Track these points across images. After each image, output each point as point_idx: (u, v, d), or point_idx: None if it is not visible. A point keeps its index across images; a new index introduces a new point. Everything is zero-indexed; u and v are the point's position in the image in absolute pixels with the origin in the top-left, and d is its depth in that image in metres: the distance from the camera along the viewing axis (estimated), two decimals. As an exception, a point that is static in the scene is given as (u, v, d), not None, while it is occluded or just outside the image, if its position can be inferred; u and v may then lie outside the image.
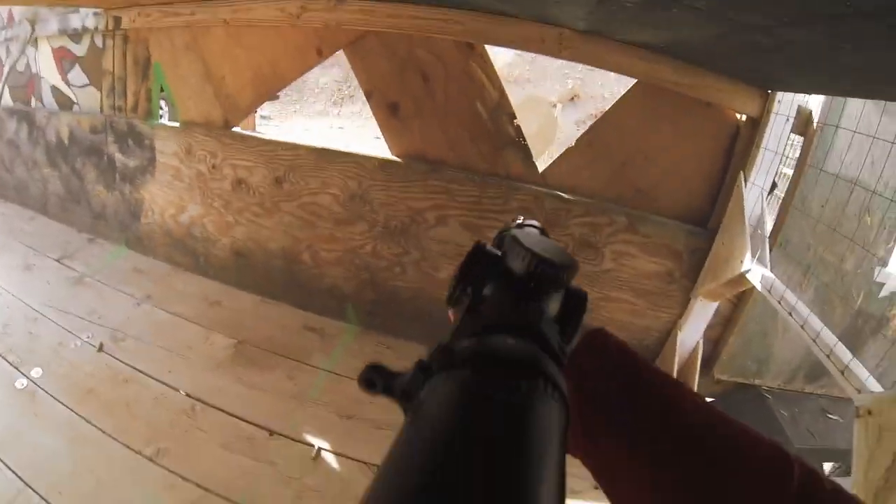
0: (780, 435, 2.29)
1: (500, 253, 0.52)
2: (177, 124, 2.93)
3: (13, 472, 1.79)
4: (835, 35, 1.07)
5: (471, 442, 0.26)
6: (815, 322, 1.70)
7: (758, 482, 0.44)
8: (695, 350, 2.28)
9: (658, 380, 0.52)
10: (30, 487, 1.75)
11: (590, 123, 2.52)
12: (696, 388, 2.28)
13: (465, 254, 0.51)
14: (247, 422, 2.06)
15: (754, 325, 2.35)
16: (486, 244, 0.53)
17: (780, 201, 2.29)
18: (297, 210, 2.70)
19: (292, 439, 2.01)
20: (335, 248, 2.68)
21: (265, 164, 2.70)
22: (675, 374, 2.29)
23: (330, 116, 8.73)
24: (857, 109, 1.96)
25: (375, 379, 0.36)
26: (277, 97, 5.65)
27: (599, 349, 0.54)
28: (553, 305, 0.49)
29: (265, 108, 6.03)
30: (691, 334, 2.30)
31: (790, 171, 2.21)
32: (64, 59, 3.28)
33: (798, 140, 2.20)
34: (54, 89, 3.42)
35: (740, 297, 2.29)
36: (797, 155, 2.21)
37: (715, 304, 2.29)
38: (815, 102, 2.11)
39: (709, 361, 2.40)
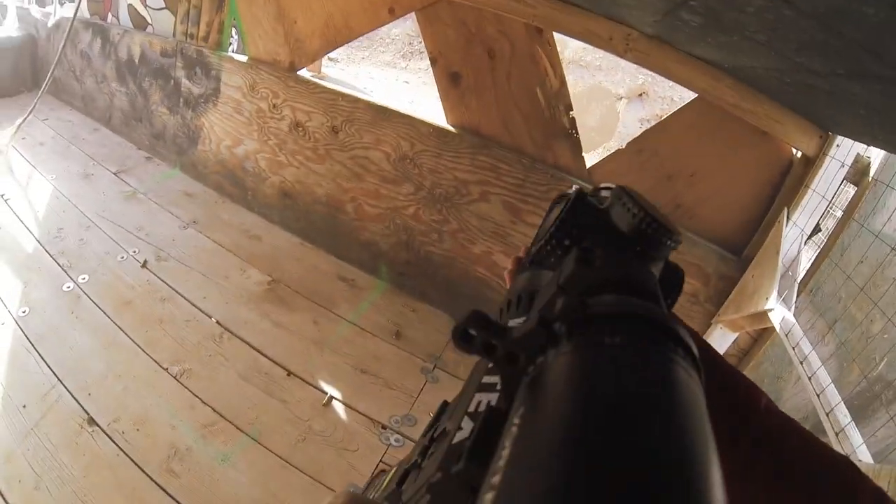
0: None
1: (604, 205, 0.46)
2: (244, 58, 3.00)
3: (49, 366, 1.93)
4: (889, 95, 1.05)
5: (645, 430, 0.21)
6: (824, 377, 1.68)
7: (830, 491, 0.43)
8: (707, 378, 2.26)
9: (738, 378, 0.50)
10: (62, 384, 1.88)
11: (654, 123, 2.49)
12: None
13: (561, 200, 0.47)
14: (267, 358, 2.16)
15: (769, 365, 2.31)
16: (588, 195, 0.48)
17: (820, 248, 2.20)
18: (347, 161, 2.76)
19: (307, 382, 2.10)
20: (379, 205, 2.74)
21: (324, 111, 2.75)
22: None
23: (397, 69, 8.66)
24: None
25: (475, 333, 0.29)
26: (345, 43, 5.71)
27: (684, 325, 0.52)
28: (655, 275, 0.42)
29: (334, 52, 6.17)
30: (703, 361, 2.27)
31: (840, 213, 2.14)
32: (145, -19, 3.36)
33: (849, 189, 2.09)
34: (131, 8, 3.51)
35: (761, 333, 2.25)
36: (845, 204, 2.11)
37: (734, 335, 2.25)
38: (875, 155, 2.00)
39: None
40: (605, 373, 0.25)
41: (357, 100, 2.70)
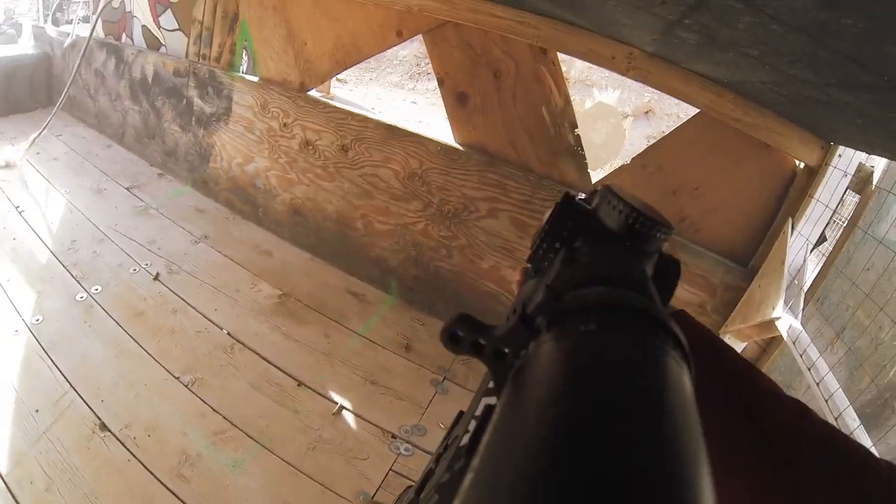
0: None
1: (592, 206, 0.47)
2: (255, 79, 3.06)
3: (62, 373, 1.95)
4: (881, 102, 1.08)
5: (615, 413, 0.21)
6: (833, 383, 1.68)
7: (851, 482, 0.41)
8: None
9: (749, 370, 0.49)
10: (74, 390, 1.90)
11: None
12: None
13: (553, 207, 0.47)
14: (278, 368, 2.17)
15: (778, 374, 2.30)
16: (576, 196, 0.48)
17: (825, 257, 2.21)
18: (357, 178, 2.80)
19: (317, 392, 2.11)
20: (388, 221, 2.77)
21: (334, 130, 2.80)
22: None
23: (405, 90, 8.74)
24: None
25: (462, 333, 0.30)
26: (354, 64, 5.85)
27: (685, 329, 0.50)
28: (648, 269, 0.44)
29: (343, 73, 6.31)
30: (714, 371, 2.26)
31: (844, 222, 2.17)
32: (158, 3, 3.43)
33: (853, 198, 2.12)
34: (145, 29, 3.58)
35: (769, 343, 2.23)
36: (848, 212, 2.13)
37: (742, 346, 2.24)
38: (878, 163, 2.02)
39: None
40: (578, 357, 0.25)
41: (366, 119, 2.76)
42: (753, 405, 0.46)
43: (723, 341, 0.52)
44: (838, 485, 0.41)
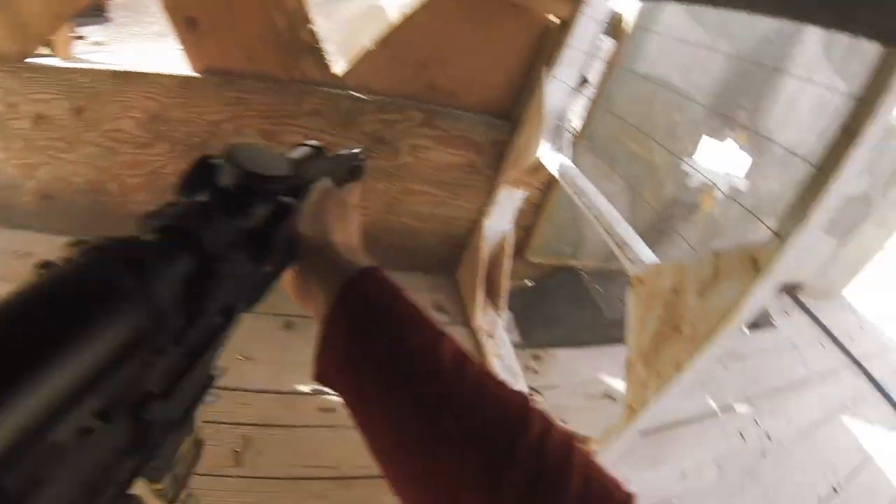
0: (594, 308, 2.36)
1: (218, 166, 0.54)
2: (-32, 64, 2.70)
3: None
4: None
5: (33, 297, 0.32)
6: (602, 203, 1.79)
7: (497, 425, 0.44)
8: (505, 237, 2.25)
9: (420, 320, 0.52)
10: None
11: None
12: (510, 272, 2.38)
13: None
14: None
15: (563, 211, 2.40)
16: (213, 157, 0.55)
17: (591, 100, 2.38)
18: (99, 139, 2.51)
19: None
20: (138, 173, 2.53)
21: (65, 94, 2.48)
22: (485, 261, 2.28)
23: (170, 38, 8.29)
24: (672, 16, 2.16)
25: None
26: (107, 19, 5.38)
27: (368, 281, 0.55)
28: (259, 215, 0.53)
29: (98, 34, 5.58)
30: (499, 222, 2.33)
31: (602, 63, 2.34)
32: None
33: (607, 41, 2.29)
34: None
35: (549, 184, 2.35)
36: (605, 54, 2.31)
37: (521, 192, 2.32)
38: (630, 9, 2.21)
39: (522, 246, 2.49)
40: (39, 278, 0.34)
41: (93, 71, 2.46)
42: (416, 351, 0.49)
43: (402, 293, 0.54)
44: (496, 435, 0.43)
